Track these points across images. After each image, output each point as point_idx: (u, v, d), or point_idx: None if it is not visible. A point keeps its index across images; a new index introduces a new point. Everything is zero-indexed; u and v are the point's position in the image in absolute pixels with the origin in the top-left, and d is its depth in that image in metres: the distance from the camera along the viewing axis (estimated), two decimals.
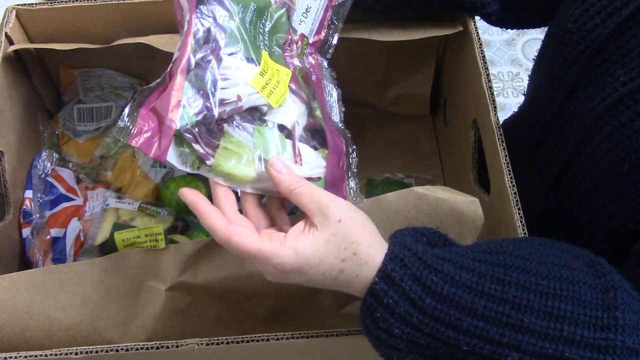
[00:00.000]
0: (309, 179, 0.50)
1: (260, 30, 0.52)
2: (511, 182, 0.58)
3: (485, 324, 0.43)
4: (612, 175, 0.55)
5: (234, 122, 0.49)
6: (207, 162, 0.49)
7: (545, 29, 0.69)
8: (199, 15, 0.49)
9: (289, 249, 0.45)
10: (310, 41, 0.57)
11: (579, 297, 0.43)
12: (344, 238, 0.46)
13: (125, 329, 0.55)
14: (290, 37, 0.55)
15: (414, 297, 0.44)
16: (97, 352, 0.51)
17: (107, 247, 0.70)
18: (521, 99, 0.78)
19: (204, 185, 0.77)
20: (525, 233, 0.56)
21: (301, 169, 0.51)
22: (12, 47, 0.70)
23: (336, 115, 0.57)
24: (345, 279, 0.46)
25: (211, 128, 0.48)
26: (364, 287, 0.46)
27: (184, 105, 0.47)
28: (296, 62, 0.55)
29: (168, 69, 0.49)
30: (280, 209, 0.52)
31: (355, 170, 0.56)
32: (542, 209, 0.67)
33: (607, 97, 0.55)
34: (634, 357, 0.41)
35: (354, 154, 0.56)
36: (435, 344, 0.44)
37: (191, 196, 0.49)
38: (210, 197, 0.77)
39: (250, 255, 0.45)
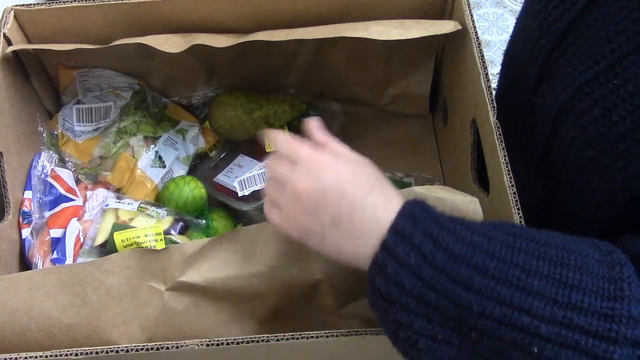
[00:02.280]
0: None
1: None
2: (510, 182, 0.58)
3: (495, 284, 0.42)
4: (580, 163, 0.56)
5: None
6: None
7: None
8: None
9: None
10: None
11: (586, 268, 0.43)
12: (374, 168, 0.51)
13: (125, 329, 0.55)
14: None
15: (425, 251, 0.44)
16: (97, 353, 0.51)
17: (107, 248, 0.70)
18: None
19: (204, 186, 0.78)
20: None
21: None
22: (11, 48, 0.70)
23: None
24: (376, 200, 0.48)
25: None
26: (380, 230, 0.46)
27: None
28: None
29: None
30: None
31: None
32: (533, 204, 0.67)
33: (568, 87, 0.56)
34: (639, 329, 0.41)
35: None
36: (444, 306, 0.44)
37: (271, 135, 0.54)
38: (210, 197, 0.78)
39: (300, 154, 0.50)
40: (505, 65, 0.71)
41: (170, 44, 0.70)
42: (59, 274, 0.56)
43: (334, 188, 0.48)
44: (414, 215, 0.46)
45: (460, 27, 0.71)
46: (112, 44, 0.71)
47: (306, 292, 0.58)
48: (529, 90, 0.63)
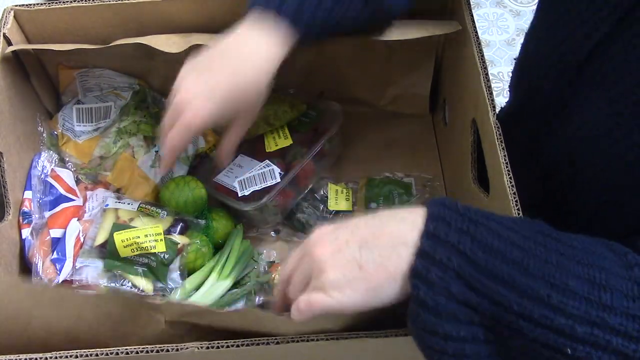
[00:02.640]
0: None
1: None
2: (510, 182, 0.58)
3: (534, 283, 0.42)
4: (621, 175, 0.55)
5: None
6: None
7: None
8: None
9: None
10: None
11: (609, 269, 0.43)
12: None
13: (124, 341, 0.54)
14: None
15: (465, 249, 0.42)
16: (97, 355, 0.51)
17: (107, 248, 0.70)
18: None
19: (204, 186, 0.78)
20: None
21: None
22: (11, 48, 0.70)
23: None
24: (388, 214, 0.47)
25: None
26: (416, 224, 0.45)
27: None
28: None
29: None
30: None
31: None
32: (542, 207, 0.67)
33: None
34: None
35: None
36: (484, 305, 0.42)
37: None
38: (210, 197, 0.78)
39: (298, 253, 0.50)
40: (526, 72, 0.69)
41: (170, 44, 0.70)
42: (57, 291, 0.55)
43: (343, 232, 0.47)
44: (443, 217, 0.44)
45: (460, 28, 0.71)
46: (112, 44, 0.71)
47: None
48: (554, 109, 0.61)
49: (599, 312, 0.41)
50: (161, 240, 0.71)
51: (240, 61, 0.62)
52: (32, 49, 0.76)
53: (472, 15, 0.71)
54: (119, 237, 0.70)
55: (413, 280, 0.43)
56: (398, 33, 0.69)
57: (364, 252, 0.45)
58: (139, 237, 0.70)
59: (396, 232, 0.45)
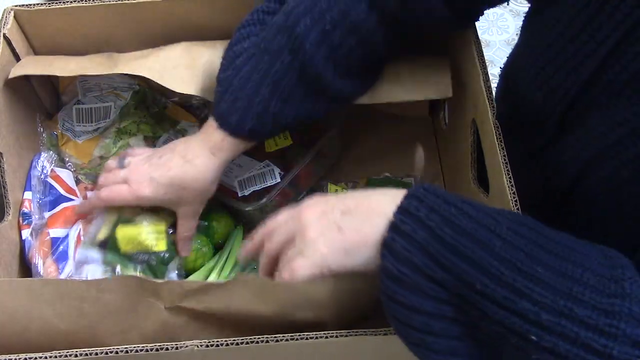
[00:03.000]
0: None
1: None
2: (510, 182, 0.58)
3: (500, 264, 0.42)
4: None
5: None
6: None
7: None
8: None
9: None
10: None
11: (588, 266, 0.43)
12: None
13: (123, 337, 0.54)
14: None
15: (432, 224, 0.44)
16: (96, 354, 0.51)
17: (109, 242, 0.70)
18: None
19: None
20: None
21: None
22: (12, 75, 0.70)
23: None
24: (374, 191, 0.50)
25: None
26: (394, 199, 0.47)
27: None
28: None
29: None
30: None
31: None
32: (542, 208, 0.67)
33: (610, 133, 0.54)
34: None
35: None
36: (450, 281, 0.43)
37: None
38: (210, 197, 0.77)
39: (287, 212, 0.53)
40: (530, 74, 0.66)
41: (174, 77, 0.70)
42: (57, 286, 0.55)
43: (333, 198, 0.51)
44: (418, 196, 0.46)
45: (450, 95, 0.70)
46: (116, 71, 0.71)
47: (313, 322, 0.57)
48: (564, 107, 0.60)
49: (568, 303, 0.41)
50: (162, 238, 0.70)
51: (192, 155, 0.67)
52: (31, 73, 0.74)
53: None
54: (121, 232, 0.70)
55: (382, 249, 0.46)
56: (386, 95, 0.70)
57: (346, 218, 0.49)
58: (140, 234, 0.70)
59: (376, 203, 0.49)
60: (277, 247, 0.53)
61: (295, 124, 0.68)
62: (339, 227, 0.49)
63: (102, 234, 0.71)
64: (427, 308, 0.44)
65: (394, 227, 0.46)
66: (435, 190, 0.47)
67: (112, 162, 0.71)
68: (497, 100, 0.72)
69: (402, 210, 0.46)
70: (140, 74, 0.70)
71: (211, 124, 0.66)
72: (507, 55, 0.73)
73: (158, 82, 0.70)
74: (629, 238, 0.55)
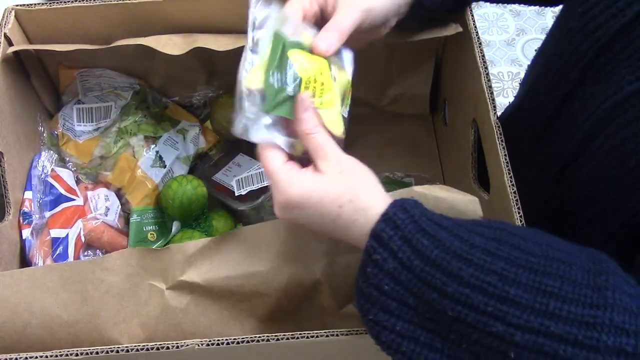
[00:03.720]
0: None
1: None
2: (511, 182, 0.58)
3: (470, 292, 0.43)
4: (618, 172, 0.55)
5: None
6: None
7: (546, 29, 0.69)
8: None
9: (296, 182, 0.49)
10: None
11: (569, 277, 0.43)
12: (344, 185, 0.49)
13: (125, 327, 0.55)
14: None
15: (403, 257, 0.45)
16: (97, 352, 0.51)
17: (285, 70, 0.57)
18: None
19: (205, 185, 0.78)
20: None
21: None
22: (12, 49, 0.70)
23: None
24: (343, 224, 0.49)
25: None
26: (363, 235, 0.47)
27: None
28: None
29: None
30: None
31: None
32: (542, 206, 0.67)
33: (613, 95, 0.55)
34: (623, 337, 0.40)
35: None
36: (422, 308, 0.45)
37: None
38: (210, 195, 0.78)
39: (268, 173, 0.51)
40: (540, 62, 0.70)
41: (171, 45, 0.70)
42: (61, 271, 0.56)
43: (301, 218, 0.51)
44: (394, 221, 0.46)
45: (460, 29, 0.71)
46: (114, 44, 0.71)
47: (306, 292, 0.58)
48: (565, 92, 0.62)
49: (544, 320, 0.41)
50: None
51: None
52: (33, 49, 0.76)
53: (472, 15, 0.71)
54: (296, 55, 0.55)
55: (359, 268, 0.48)
56: (398, 35, 0.69)
57: (313, 228, 0.51)
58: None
59: (343, 238, 0.50)
60: None
61: None
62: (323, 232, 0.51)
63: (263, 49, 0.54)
64: (397, 327, 0.46)
65: (366, 253, 0.47)
66: (414, 212, 0.47)
67: None
68: (528, 74, 0.72)
69: (375, 236, 0.47)
70: (137, 43, 0.70)
71: None
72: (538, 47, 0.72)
73: (155, 47, 0.70)
74: (619, 215, 0.56)
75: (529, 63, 0.73)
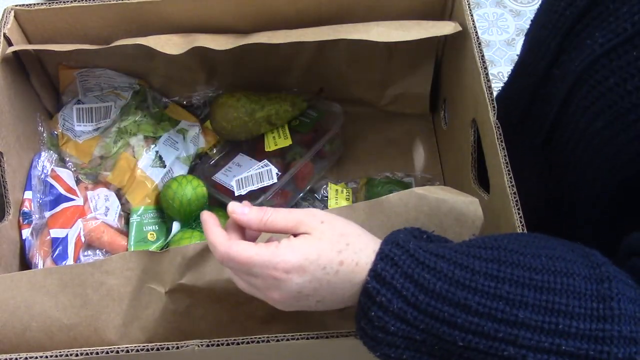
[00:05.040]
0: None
1: None
2: (510, 182, 0.58)
3: (479, 320, 0.43)
4: (590, 133, 0.56)
5: None
6: None
7: None
8: None
9: (287, 247, 0.46)
10: None
11: (573, 290, 0.43)
12: (333, 233, 0.47)
13: (125, 330, 0.55)
14: None
15: (407, 294, 0.44)
16: (97, 353, 0.51)
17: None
18: None
19: (205, 185, 0.78)
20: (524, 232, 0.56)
21: None
22: (11, 49, 0.70)
23: None
24: (346, 271, 0.46)
25: None
26: (365, 278, 0.46)
27: None
28: None
29: None
30: None
31: None
32: (534, 177, 0.67)
33: (586, 58, 0.56)
34: (632, 346, 0.41)
35: None
36: (431, 340, 0.45)
37: (205, 216, 0.51)
38: (210, 195, 0.78)
39: (250, 261, 0.46)
40: (528, 37, 0.71)
41: (170, 45, 0.70)
42: (60, 274, 0.56)
43: (307, 285, 0.47)
44: (392, 258, 0.46)
45: (460, 29, 0.71)
46: (113, 44, 0.71)
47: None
48: (548, 61, 0.63)
49: (555, 339, 0.41)
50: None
51: None
52: (33, 49, 0.76)
53: (472, 16, 0.71)
54: None
55: (357, 310, 0.47)
56: (398, 35, 0.69)
57: (319, 305, 0.49)
58: None
59: (348, 293, 0.47)
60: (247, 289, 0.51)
61: None
62: (311, 307, 0.49)
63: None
64: (404, 357, 0.46)
65: (368, 295, 0.46)
66: (408, 247, 0.46)
67: None
68: (521, 49, 0.73)
69: (376, 276, 0.46)
70: (136, 43, 0.70)
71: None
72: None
73: (153, 47, 0.70)
74: (600, 181, 0.56)
75: None
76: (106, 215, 0.76)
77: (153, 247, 0.75)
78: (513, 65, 0.75)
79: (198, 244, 0.57)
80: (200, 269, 0.56)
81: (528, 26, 0.69)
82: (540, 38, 0.64)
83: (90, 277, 0.55)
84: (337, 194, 0.82)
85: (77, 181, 0.79)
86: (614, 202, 0.57)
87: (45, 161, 0.77)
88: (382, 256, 0.46)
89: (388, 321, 0.45)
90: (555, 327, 0.42)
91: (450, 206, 0.54)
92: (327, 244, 0.47)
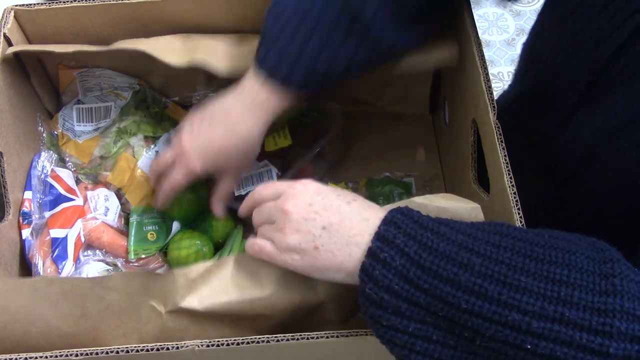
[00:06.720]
0: None
1: None
2: (511, 182, 0.58)
3: (483, 281, 0.43)
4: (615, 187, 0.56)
5: None
6: None
7: None
8: None
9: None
10: None
11: (575, 265, 0.43)
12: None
13: (125, 341, 0.54)
14: None
15: (410, 252, 0.45)
16: (97, 354, 0.51)
17: None
18: None
19: (205, 184, 0.78)
20: None
21: None
22: (11, 49, 0.70)
23: None
24: (358, 205, 0.50)
25: None
26: (368, 236, 0.48)
27: None
28: None
29: None
30: None
31: None
32: (543, 206, 0.67)
33: (620, 113, 0.55)
34: (635, 323, 0.40)
35: None
36: (435, 305, 0.44)
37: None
38: (210, 195, 0.78)
39: (278, 184, 0.53)
40: (537, 61, 0.69)
41: (170, 50, 0.70)
42: (62, 284, 0.55)
43: (319, 201, 0.51)
44: (395, 222, 0.47)
45: (457, 55, 0.71)
46: (113, 47, 0.71)
47: (309, 311, 0.57)
48: (575, 101, 0.61)
49: (558, 307, 0.41)
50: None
51: (233, 120, 0.66)
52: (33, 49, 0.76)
53: (472, 15, 0.71)
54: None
55: (361, 274, 0.47)
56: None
57: (324, 234, 0.49)
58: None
59: (357, 229, 0.49)
60: (261, 220, 0.55)
61: (344, 75, 0.67)
62: (315, 245, 0.49)
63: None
64: (410, 329, 0.46)
65: (373, 255, 0.46)
66: (412, 214, 0.48)
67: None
68: (514, 80, 0.72)
69: (379, 237, 0.47)
70: (136, 49, 0.71)
71: (254, 79, 0.65)
72: (528, 34, 0.72)
73: (154, 55, 0.70)
74: (626, 226, 0.56)
75: None
76: (106, 215, 0.76)
77: (153, 247, 0.75)
78: (513, 65, 0.75)
79: (201, 266, 0.56)
80: (202, 291, 0.55)
81: (528, 26, 0.68)
82: (563, 71, 0.62)
83: (90, 291, 0.55)
84: None
85: (77, 181, 0.79)
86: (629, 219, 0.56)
87: (45, 161, 0.77)
88: (386, 221, 0.47)
89: (392, 279, 0.45)
90: (557, 294, 0.41)
91: (451, 214, 0.54)
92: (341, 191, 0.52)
